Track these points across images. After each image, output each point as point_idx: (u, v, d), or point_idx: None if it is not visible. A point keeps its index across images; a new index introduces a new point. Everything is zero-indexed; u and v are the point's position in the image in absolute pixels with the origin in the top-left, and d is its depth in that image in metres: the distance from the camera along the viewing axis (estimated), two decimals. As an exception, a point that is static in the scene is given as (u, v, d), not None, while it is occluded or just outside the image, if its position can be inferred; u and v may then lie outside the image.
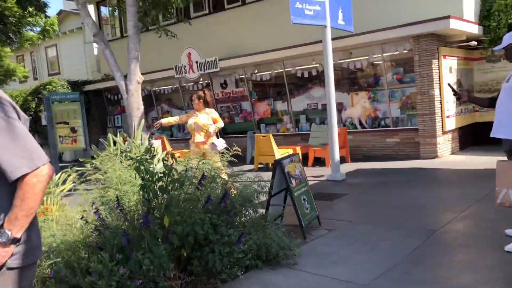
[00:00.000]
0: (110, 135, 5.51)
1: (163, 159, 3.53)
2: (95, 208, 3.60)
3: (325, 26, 8.04)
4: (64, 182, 5.08)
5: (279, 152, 10.19)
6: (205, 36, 13.81)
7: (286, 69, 12.26)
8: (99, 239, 3.55)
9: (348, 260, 4.24)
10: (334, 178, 8.28)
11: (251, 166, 10.75)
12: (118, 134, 5.56)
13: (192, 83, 14.67)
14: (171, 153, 3.51)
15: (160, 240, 3.30)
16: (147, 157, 3.67)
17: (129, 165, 4.28)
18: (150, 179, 3.35)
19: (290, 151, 10.46)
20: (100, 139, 5.93)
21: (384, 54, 10.61)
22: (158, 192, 3.43)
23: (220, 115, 14.23)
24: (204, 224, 3.57)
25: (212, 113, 7.15)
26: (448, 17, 8.94)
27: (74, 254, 3.74)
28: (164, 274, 3.42)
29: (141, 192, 3.43)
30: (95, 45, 19.80)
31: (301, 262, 4.22)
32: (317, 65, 11.67)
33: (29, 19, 15.01)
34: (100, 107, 17.98)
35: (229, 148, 4.77)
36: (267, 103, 13.35)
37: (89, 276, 3.21)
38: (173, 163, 3.43)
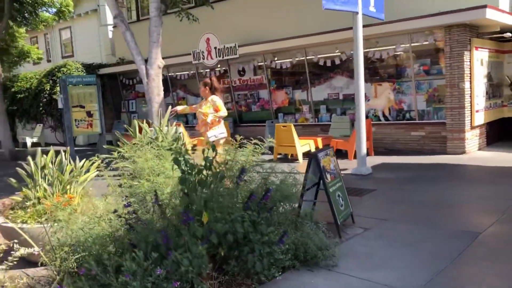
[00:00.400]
0: (135, 121, 5.26)
1: (202, 150, 3.24)
2: (128, 202, 3.34)
3: (357, 12, 7.67)
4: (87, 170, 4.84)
5: (300, 143, 9.89)
6: (224, 21, 13.45)
7: (307, 57, 11.89)
8: (131, 235, 3.30)
9: (391, 263, 3.96)
10: (360, 172, 7.98)
11: (270, 157, 10.45)
12: (144, 121, 5.31)
13: (209, 70, 14.35)
14: (212, 144, 3.23)
15: (199, 238, 3.04)
16: (180, 146, 3.40)
17: (161, 155, 4.03)
18: (190, 172, 3.08)
19: (311, 142, 10.17)
20: (125, 125, 5.67)
21: (412, 44, 10.20)
22: (197, 186, 3.16)
23: (237, 103, 14.04)
24: (244, 222, 3.31)
25: (216, 101, 6.82)
26: (484, 6, 8.51)
27: (101, 249, 3.50)
28: (199, 274, 3.17)
29: (179, 186, 3.16)
30: (109, 28, 19.50)
31: (340, 264, 3.95)
32: (340, 53, 11.30)
33: (45, -1, 14.70)
34: (115, 91, 17.73)
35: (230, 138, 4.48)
36: (286, 92, 13.01)
37: (122, 276, 2.96)
38: (215, 155, 3.16)
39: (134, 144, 4.06)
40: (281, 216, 4.11)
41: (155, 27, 8.30)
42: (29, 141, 17.89)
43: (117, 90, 17.74)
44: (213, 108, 6.77)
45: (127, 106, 17.72)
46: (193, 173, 3.12)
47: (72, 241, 3.50)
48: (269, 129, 11.32)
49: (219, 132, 6.85)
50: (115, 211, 3.27)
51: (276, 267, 3.58)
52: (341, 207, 4.95)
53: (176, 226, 3.13)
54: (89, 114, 11.14)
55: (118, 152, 4.47)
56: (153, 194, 3.20)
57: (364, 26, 8.41)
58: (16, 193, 4.84)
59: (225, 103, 14.51)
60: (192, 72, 14.83)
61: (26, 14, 14.78)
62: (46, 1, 14.97)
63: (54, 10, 16.87)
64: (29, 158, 4.56)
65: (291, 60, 12.21)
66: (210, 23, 13.06)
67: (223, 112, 6.81)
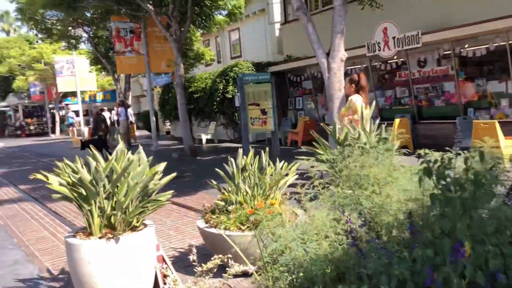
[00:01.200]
0: (335, 121, 4.65)
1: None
2: (361, 220, 2.71)
3: None
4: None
5: (506, 144, 8.29)
6: (402, 7, 12.23)
7: (510, 42, 10.03)
8: (360, 261, 2.66)
9: None
10: None
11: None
12: (336, 118, 4.67)
13: (382, 62, 13.27)
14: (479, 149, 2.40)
15: (468, 279, 2.25)
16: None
17: (382, 160, 3.33)
18: (451, 188, 2.30)
19: (519, 142, 8.47)
20: (328, 126, 5.13)
21: None
22: (458, 208, 2.36)
23: (416, 97, 12.68)
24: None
25: (355, 101, 6.00)
26: None
27: (321, 272, 2.95)
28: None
29: (428, 205, 2.41)
30: (277, 26, 19.67)
31: None
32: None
33: (220, 2, 15.29)
34: (281, 89, 17.74)
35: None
36: (477, 84, 11.26)
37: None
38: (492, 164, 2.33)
39: (353, 147, 3.43)
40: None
41: (339, 17, 7.66)
42: (204, 137, 19.01)
43: (284, 88, 17.72)
44: (351, 109, 5.99)
45: (294, 103, 17.60)
46: (455, 189, 2.33)
47: (288, 260, 3.02)
48: (461, 127, 9.83)
49: None
50: (350, 231, 2.66)
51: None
52: None
53: (430, 258, 2.38)
54: (263, 111, 11.08)
55: (317, 155, 3.92)
56: (406, 216, 2.50)
57: None
58: (205, 190, 4.63)
59: (402, 98, 13.33)
60: (364, 65, 13.91)
61: (203, 18, 15.60)
62: (221, 4, 15.60)
63: (226, 12, 17.60)
64: (231, 159, 4.28)
65: (487, 46, 10.45)
66: (385, 10, 11.95)
67: (358, 116, 5.86)
